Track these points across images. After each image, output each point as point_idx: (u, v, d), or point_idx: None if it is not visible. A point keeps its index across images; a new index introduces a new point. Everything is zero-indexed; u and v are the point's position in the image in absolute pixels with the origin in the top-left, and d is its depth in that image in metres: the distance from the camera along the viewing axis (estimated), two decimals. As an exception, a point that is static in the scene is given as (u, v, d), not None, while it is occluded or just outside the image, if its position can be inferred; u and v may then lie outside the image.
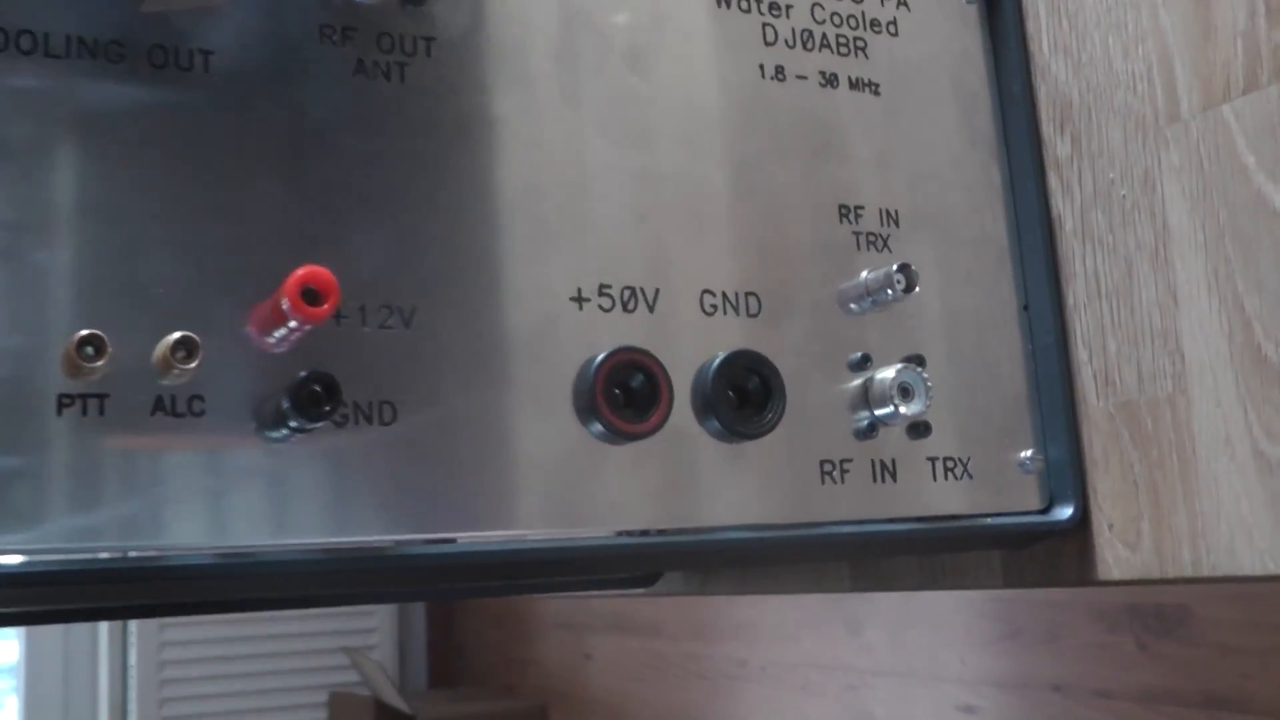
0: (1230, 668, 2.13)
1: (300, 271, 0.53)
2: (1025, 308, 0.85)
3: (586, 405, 0.70)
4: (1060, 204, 0.85)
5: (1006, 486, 0.81)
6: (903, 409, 0.77)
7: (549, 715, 3.94)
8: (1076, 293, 0.84)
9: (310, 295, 0.54)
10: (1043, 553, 0.85)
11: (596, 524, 0.70)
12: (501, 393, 0.67)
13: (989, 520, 0.80)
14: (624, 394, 0.72)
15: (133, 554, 0.53)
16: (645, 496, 0.71)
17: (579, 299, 0.72)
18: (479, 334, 0.67)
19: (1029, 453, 0.82)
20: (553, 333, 0.70)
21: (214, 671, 3.89)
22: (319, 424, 0.56)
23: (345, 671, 4.00)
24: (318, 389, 0.56)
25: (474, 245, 0.69)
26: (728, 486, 0.73)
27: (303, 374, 0.56)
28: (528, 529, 0.68)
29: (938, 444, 0.80)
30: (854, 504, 0.76)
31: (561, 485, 0.69)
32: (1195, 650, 2.19)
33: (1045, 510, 0.82)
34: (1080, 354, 0.83)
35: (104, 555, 0.52)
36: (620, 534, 0.71)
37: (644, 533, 0.71)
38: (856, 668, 3.04)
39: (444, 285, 0.66)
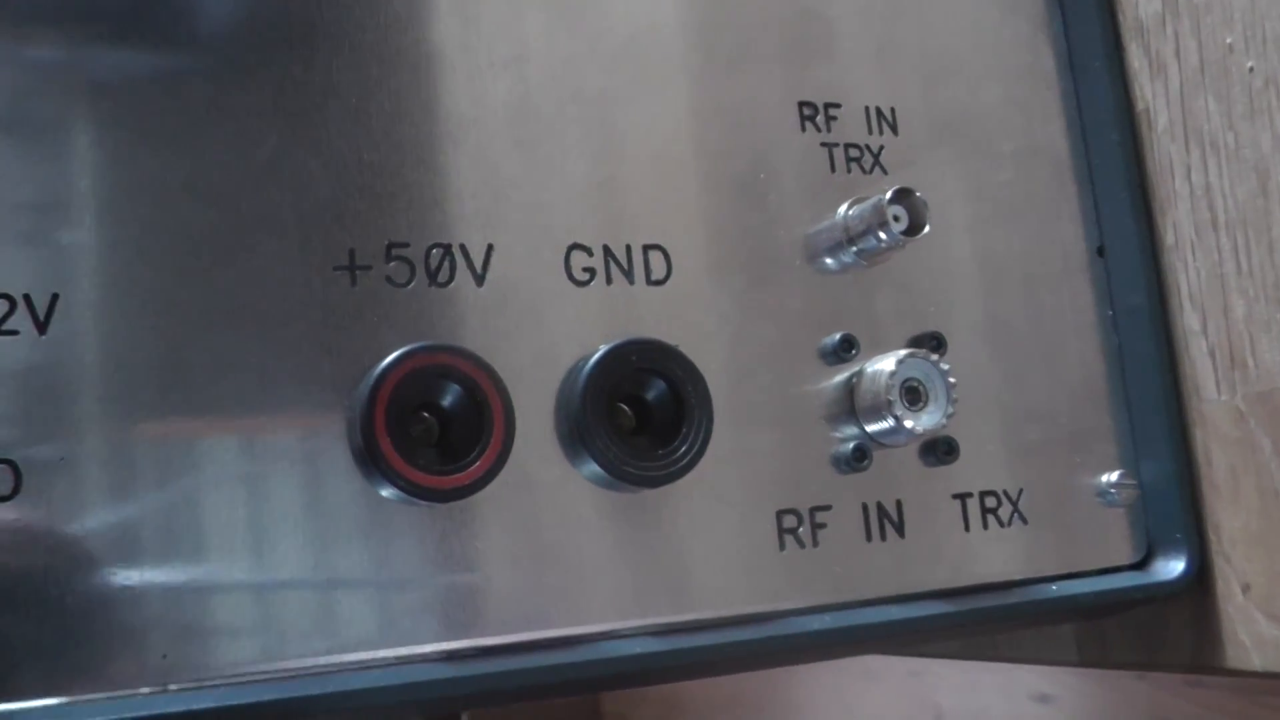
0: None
1: None
2: (1100, 252, 0.54)
3: (364, 446, 0.40)
4: (1148, 89, 0.54)
5: (1079, 531, 0.52)
6: (910, 421, 0.47)
7: (601, 701, 3.66)
8: (1179, 225, 0.53)
9: None
10: (1138, 623, 0.54)
11: (391, 641, 0.40)
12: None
13: (1054, 587, 0.49)
14: (433, 423, 0.42)
15: None
16: (461, 595, 0.41)
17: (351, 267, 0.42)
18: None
19: (1113, 476, 0.52)
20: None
21: None
22: None
23: None
24: None
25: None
26: (614, 566, 0.43)
27: None
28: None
29: (969, 472, 0.49)
30: (835, 578, 0.46)
31: (336, 581, 0.40)
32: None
33: (1142, 564, 0.53)
34: (1188, 320, 0.52)
35: None
36: (412, 656, 0.41)
37: (450, 655, 0.41)
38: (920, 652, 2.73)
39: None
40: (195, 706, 0.37)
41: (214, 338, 0.40)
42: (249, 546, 0.40)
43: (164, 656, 0.38)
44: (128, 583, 0.38)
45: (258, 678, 0.39)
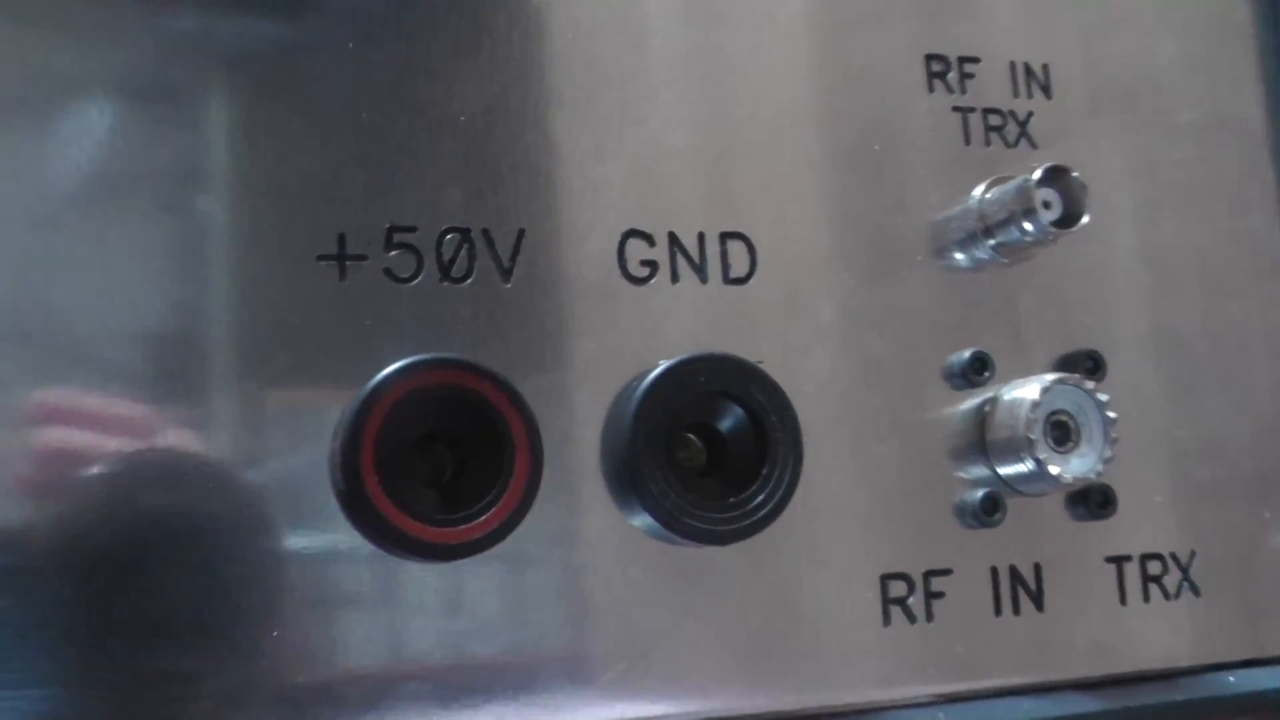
0: None
1: None
2: (1305, 251, 0.42)
3: (345, 488, 0.30)
4: (1373, 49, 0.42)
5: (1266, 605, 0.40)
6: (1056, 466, 0.36)
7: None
8: None
9: None
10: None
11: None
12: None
13: (1232, 678, 0.38)
14: (445, 450, 0.32)
15: None
16: (479, 672, 0.32)
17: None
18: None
19: (1313, 534, 0.40)
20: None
21: None
22: None
23: None
24: None
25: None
26: (671, 641, 0.33)
27: None
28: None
29: (1128, 529, 0.38)
30: (954, 661, 0.36)
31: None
32: None
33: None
34: None
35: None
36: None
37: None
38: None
39: None
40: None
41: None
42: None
43: None
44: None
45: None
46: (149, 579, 0.30)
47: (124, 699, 0.30)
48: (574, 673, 0.33)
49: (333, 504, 0.31)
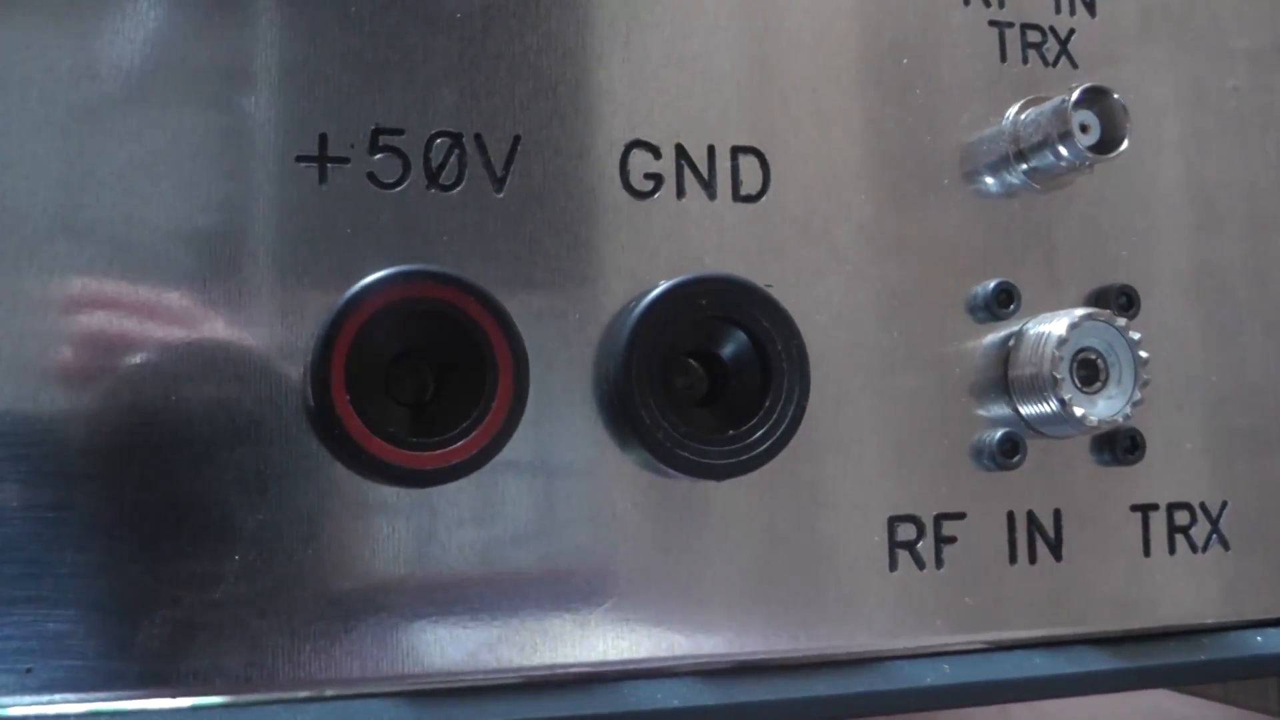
0: None
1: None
2: (1359, 188, 0.38)
3: (315, 406, 0.28)
4: None
5: (1299, 560, 0.36)
6: (1081, 407, 0.33)
7: None
8: None
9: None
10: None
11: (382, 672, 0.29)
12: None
13: (1260, 637, 0.35)
14: (426, 369, 0.30)
15: None
16: (458, 609, 0.29)
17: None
18: None
19: (1353, 489, 0.37)
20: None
21: None
22: None
23: None
24: None
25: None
26: (661, 582, 0.31)
27: None
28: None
29: (1156, 477, 0.35)
30: (963, 612, 0.33)
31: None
32: None
33: (1382, 608, 0.37)
34: None
35: None
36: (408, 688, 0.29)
37: (419, 692, 0.29)
38: None
39: None
40: None
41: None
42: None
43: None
44: None
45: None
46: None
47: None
48: (555, 611, 0.30)
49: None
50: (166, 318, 0.28)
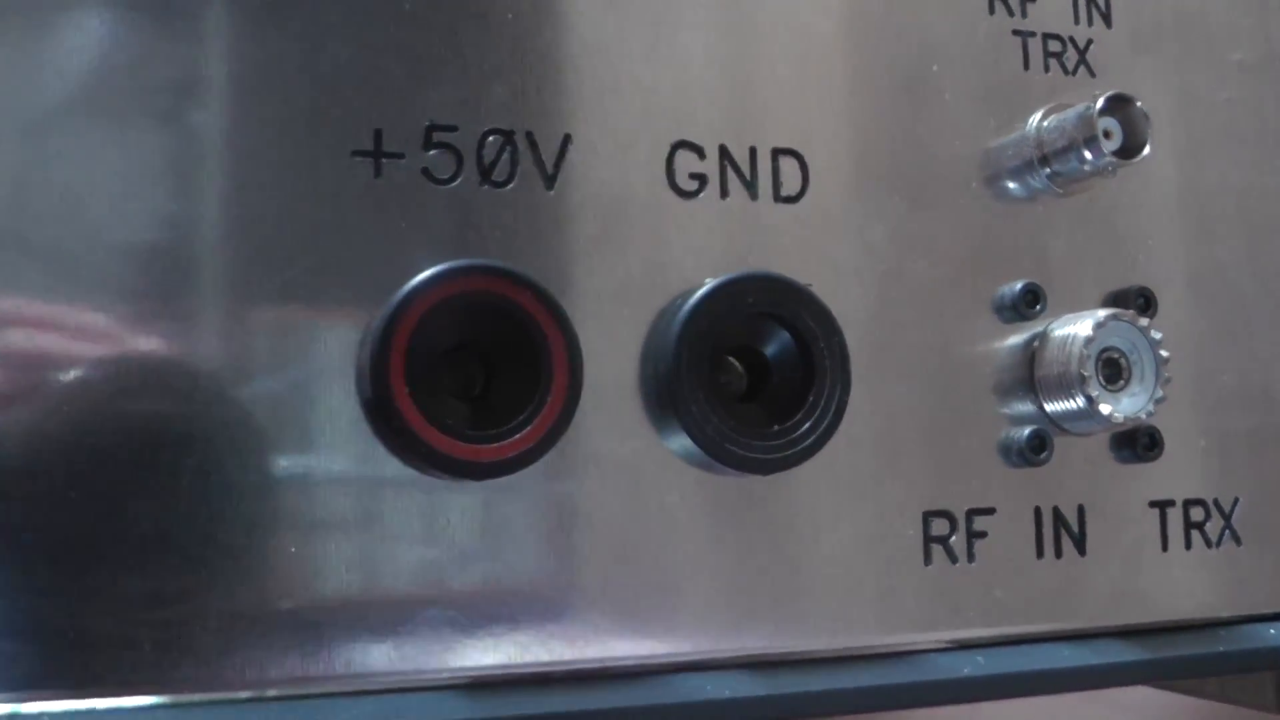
0: None
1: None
2: (1355, 197, 0.39)
3: (374, 399, 0.28)
4: None
5: (1306, 555, 0.37)
6: (1107, 405, 0.33)
7: None
8: None
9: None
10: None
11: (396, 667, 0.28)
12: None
13: (1273, 630, 0.36)
14: (476, 364, 0.29)
15: None
16: (501, 605, 0.29)
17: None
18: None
19: (1354, 487, 0.38)
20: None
21: None
22: None
23: None
24: None
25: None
26: (707, 575, 0.31)
27: None
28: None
29: (1172, 473, 0.36)
30: (994, 605, 0.33)
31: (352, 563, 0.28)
32: None
33: (1383, 602, 0.38)
34: None
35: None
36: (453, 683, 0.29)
37: (472, 684, 0.29)
38: None
39: None
40: None
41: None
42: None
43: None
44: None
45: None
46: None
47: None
48: (601, 604, 0.30)
49: (353, 415, 0.29)
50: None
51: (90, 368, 0.27)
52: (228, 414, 0.28)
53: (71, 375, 0.27)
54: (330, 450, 0.29)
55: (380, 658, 0.28)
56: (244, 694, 0.28)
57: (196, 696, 0.27)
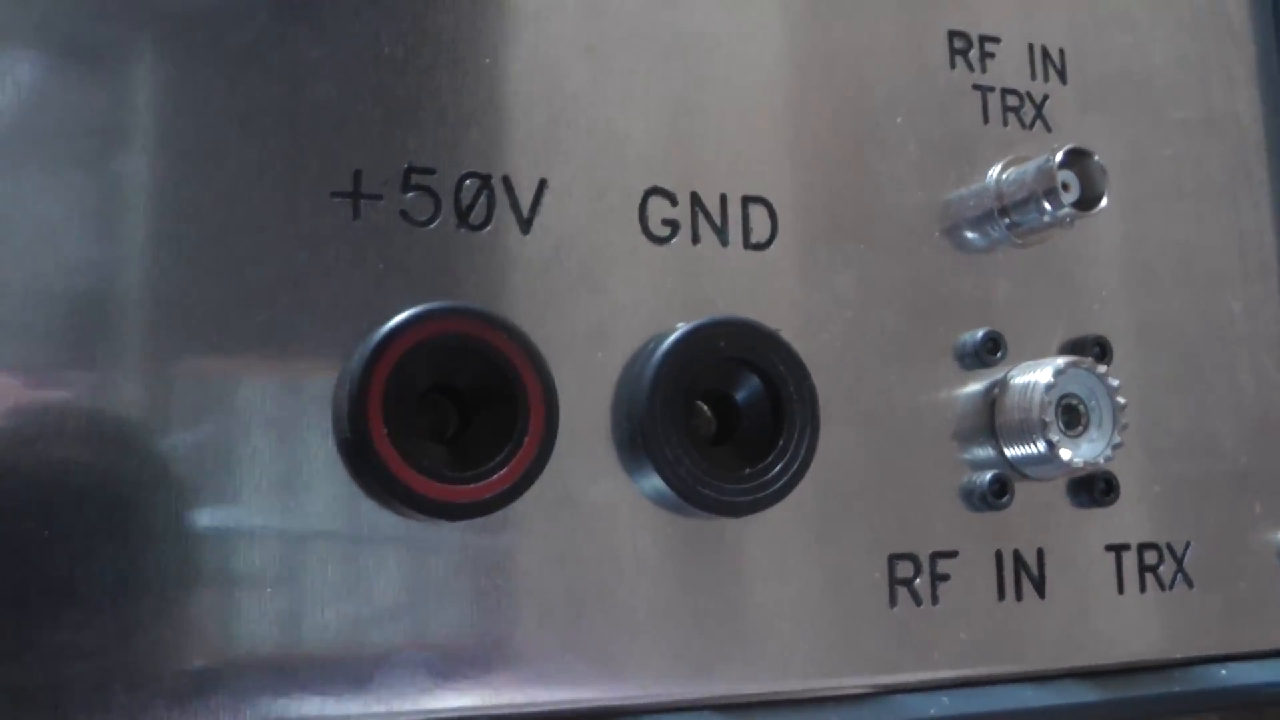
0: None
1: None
2: (1297, 249, 0.41)
3: (352, 440, 0.27)
4: (1375, 54, 0.41)
5: (1253, 600, 0.38)
6: (1067, 450, 0.34)
7: None
8: None
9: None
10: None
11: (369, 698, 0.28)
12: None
13: (1224, 671, 0.36)
14: (449, 406, 0.29)
15: None
16: (465, 643, 0.29)
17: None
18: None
19: (1300, 532, 0.39)
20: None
21: None
22: None
23: None
24: None
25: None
26: (675, 617, 0.31)
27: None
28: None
29: (1126, 518, 0.36)
30: (959, 647, 0.33)
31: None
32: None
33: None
34: None
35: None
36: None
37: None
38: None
39: None
40: None
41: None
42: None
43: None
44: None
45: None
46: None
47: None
48: (573, 645, 0.30)
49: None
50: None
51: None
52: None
53: None
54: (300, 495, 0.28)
55: (357, 705, 0.28)
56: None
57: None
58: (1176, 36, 0.42)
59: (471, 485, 0.28)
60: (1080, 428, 0.35)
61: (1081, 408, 0.35)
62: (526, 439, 0.29)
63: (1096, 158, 0.35)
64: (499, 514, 0.29)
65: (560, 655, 0.30)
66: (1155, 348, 0.38)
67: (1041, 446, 0.34)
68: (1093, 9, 0.40)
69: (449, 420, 0.30)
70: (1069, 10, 0.39)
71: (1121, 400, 0.35)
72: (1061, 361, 0.35)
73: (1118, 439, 0.35)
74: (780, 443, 0.31)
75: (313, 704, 0.28)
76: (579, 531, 0.31)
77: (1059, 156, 0.35)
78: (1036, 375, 0.35)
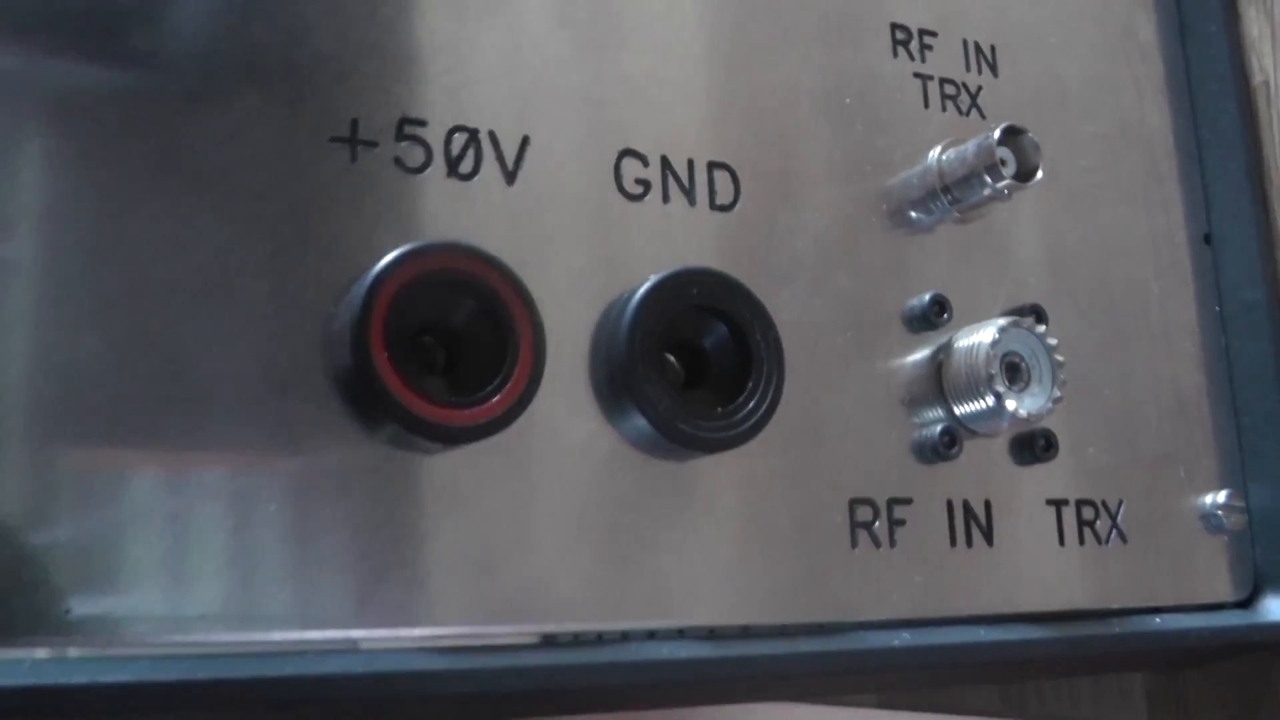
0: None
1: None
2: (1207, 239, 0.44)
3: (354, 366, 0.29)
4: (1268, 60, 0.44)
5: (1177, 557, 0.40)
6: (1011, 401, 0.36)
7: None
8: (1306, 211, 0.43)
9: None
10: (1230, 678, 0.44)
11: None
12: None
13: (1159, 619, 0.38)
14: (436, 346, 0.31)
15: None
16: (473, 572, 0.30)
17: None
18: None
19: (1219, 497, 0.41)
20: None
21: None
22: None
23: None
24: None
25: None
26: (651, 549, 0.32)
27: None
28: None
29: (1066, 475, 0.39)
30: (909, 587, 0.35)
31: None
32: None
33: (1246, 602, 0.41)
34: (1315, 320, 0.42)
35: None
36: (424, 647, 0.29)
37: (422, 649, 0.30)
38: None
39: None
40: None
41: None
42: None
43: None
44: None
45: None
46: None
47: None
48: (551, 578, 0.31)
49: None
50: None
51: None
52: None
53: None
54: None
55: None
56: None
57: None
58: (1087, 59, 0.45)
59: (467, 410, 0.29)
60: (1022, 383, 0.37)
61: (1023, 365, 0.37)
62: (517, 369, 0.30)
63: (1030, 134, 0.37)
64: (482, 449, 0.30)
65: (536, 582, 0.31)
66: (1085, 325, 0.41)
67: (990, 400, 0.36)
68: (1029, 12, 0.43)
69: (438, 359, 0.31)
70: (1000, 7, 0.42)
71: (1059, 358, 0.37)
72: (1003, 321, 0.37)
73: (1057, 393, 0.37)
74: (749, 384, 0.33)
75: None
76: (555, 471, 0.32)
77: (997, 134, 0.37)
78: (981, 335, 0.37)
